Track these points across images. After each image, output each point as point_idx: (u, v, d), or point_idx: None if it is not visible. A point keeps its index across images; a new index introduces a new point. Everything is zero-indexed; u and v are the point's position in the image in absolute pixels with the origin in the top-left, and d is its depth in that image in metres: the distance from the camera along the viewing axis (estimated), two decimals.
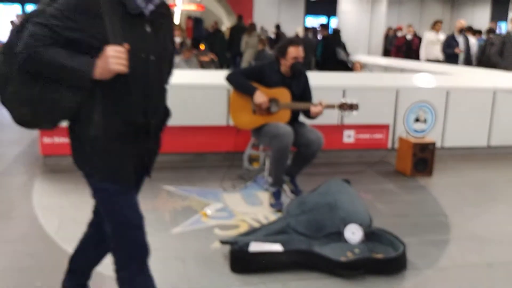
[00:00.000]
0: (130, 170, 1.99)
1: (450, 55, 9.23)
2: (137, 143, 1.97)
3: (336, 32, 10.89)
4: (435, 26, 10.46)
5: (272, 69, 4.00)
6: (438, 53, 9.93)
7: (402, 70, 9.19)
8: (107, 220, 2.00)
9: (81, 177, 2.00)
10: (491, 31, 11.32)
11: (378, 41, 13.90)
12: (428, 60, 9.92)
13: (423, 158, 4.91)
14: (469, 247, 3.32)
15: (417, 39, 12.38)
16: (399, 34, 13.74)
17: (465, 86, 5.79)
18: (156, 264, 2.23)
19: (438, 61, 9.79)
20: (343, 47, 10.17)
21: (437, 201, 4.23)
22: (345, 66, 9.46)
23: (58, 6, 1.74)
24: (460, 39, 9.21)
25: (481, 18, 20.16)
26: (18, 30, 1.80)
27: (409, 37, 12.43)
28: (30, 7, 19.51)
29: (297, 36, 10.95)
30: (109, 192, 1.94)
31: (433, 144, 4.95)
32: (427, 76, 6.00)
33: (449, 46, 9.19)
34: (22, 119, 1.85)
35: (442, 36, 10.14)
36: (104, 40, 1.74)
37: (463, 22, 9.48)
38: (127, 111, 1.88)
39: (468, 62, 9.28)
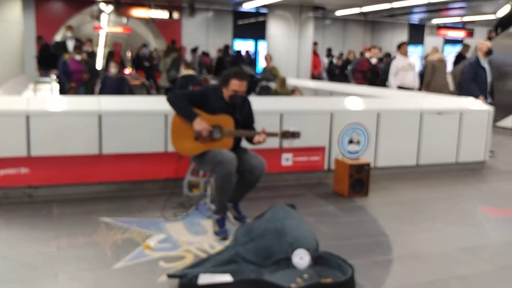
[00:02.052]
0: None
1: (467, 88, 7.24)
2: None
3: (239, 53, 12.96)
4: (401, 49, 9.35)
5: (216, 95, 3.97)
6: (411, 79, 9.25)
7: (331, 93, 9.48)
8: None
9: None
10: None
11: (306, 65, 14.28)
12: (401, 88, 9.09)
13: (359, 179, 5.04)
14: (412, 267, 3.42)
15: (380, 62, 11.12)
16: (365, 56, 12.11)
17: (394, 108, 6.05)
18: None
19: (411, 89, 9.07)
20: (249, 63, 11.70)
21: (376, 221, 4.34)
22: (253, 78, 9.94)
23: None
24: (486, 65, 7.44)
25: (399, 40, 21.28)
26: None
27: (373, 60, 10.58)
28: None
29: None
30: None
31: (368, 165, 5.10)
32: (359, 99, 6.22)
33: (476, 75, 7.29)
34: None
35: (411, 61, 9.51)
36: None
37: (489, 44, 7.60)
38: None
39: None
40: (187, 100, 3.88)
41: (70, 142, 4.60)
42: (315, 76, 13.62)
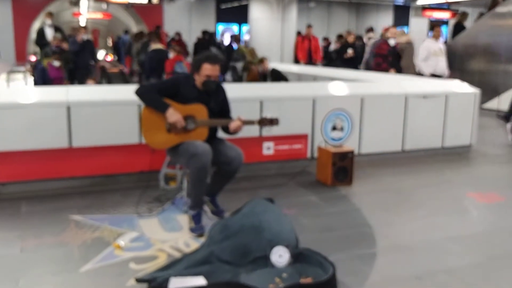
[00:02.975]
0: None
1: None
2: None
3: (211, 34, 12.76)
4: (435, 31, 8.59)
5: (188, 83, 3.74)
6: (443, 65, 8.48)
7: (315, 78, 9.28)
8: None
9: None
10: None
11: (290, 48, 14.02)
12: (434, 76, 8.22)
13: (343, 167, 4.87)
14: (397, 260, 3.26)
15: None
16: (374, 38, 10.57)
17: (378, 92, 5.87)
18: None
19: (442, 76, 8.23)
20: (218, 46, 11.50)
21: (360, 211, 4.17)
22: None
23: None
24: None
25: (384, 22, 21.13)
26: None
27: (392, 42, 9.12)
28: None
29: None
30: None
31: (352, 152, 4.92)
32: (343, 84, 6.03)
33: None
34: None
35: (442, 45, 8.68)
36: None
37: None
38: None
39: None
40: (157, 91, 3.65)
41: (38, 136, 4.35)
42: (312, 63, 12.23)
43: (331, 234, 3.68)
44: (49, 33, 11.18)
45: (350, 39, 11.85)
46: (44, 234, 3.54)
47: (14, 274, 2.94)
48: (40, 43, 11.39)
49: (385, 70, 8.80)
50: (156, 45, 9.06)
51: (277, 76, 8.60)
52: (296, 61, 12.77)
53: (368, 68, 9.68)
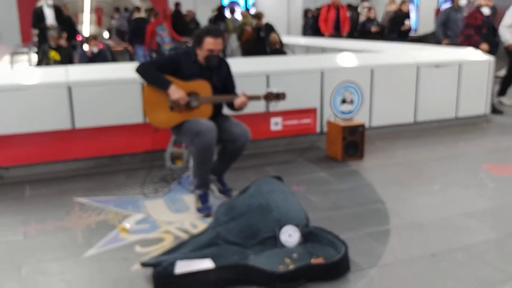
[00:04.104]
0: None
1: None
2: None
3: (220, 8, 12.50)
4: None
5: (189, 59, 3.59)
6: None
7: (323, 50, 9.06)
8: None
9: None
10: None
11: (297, 21, 13.71)
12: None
13: (353, 142, 4.73)
14: (410, 237, 3.14)
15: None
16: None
17: (389, 63, 5.67)
18: None
19: None
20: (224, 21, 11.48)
21: (372, 187, 4.05)
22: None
23: None
24: None
25: None
26: None
27: (486, 11, 7.13)
28: None
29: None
30: None
31: (362, 126, 4.77)
32: (351, 55, 5.83)
33: None
34: None
35: None
36: None
37: None
38: None
39: None
40: (157, 68, 3.51)
41: (40, 118, 4.25)
42: (339, 36, 10.78)
43: (342, 211, 3.57)
44: (49, 14, 10.27)
45: (405, 8, 10.33)
46: (48, 219, 3.47)
47: (17, 262, 2.87)
48: (37, 26, 10.03)
49: (476, 44, 7.01)
50: (138, 14, 10.00)
51: (271, 30, 8.86)
52: (319, 33, 11.15)
53: (438, 42, 8.58)
